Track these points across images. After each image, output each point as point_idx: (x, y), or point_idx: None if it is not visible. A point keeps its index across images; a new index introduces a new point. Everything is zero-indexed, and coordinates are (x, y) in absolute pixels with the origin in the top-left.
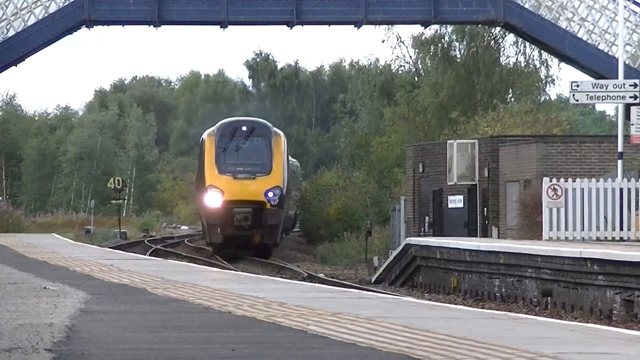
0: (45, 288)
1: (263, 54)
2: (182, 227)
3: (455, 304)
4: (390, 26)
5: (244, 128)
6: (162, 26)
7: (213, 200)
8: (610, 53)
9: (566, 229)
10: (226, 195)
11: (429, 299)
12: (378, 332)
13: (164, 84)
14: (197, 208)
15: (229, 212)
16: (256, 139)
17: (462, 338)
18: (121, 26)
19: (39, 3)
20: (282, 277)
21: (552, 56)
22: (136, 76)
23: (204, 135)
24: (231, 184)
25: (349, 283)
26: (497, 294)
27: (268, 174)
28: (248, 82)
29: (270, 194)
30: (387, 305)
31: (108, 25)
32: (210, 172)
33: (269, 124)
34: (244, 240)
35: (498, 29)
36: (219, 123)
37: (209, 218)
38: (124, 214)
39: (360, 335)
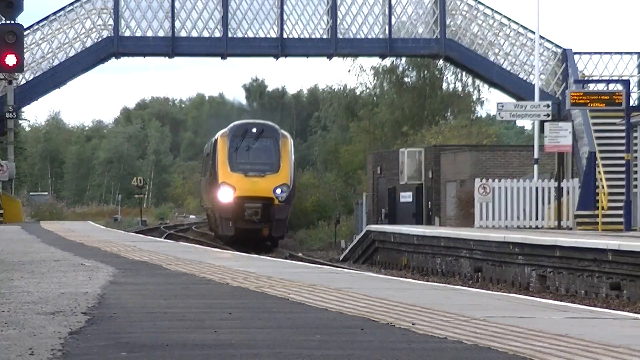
0: (81, 264)
1: (257, 79)
2: (191, 216)
3: (406, 278)
4: (354, 58)
5: (254, 130)
6: (175, 57)
7: (225, 196)
8: (528, 80)
9: (493, 218)
10: (237, 192)
11: (385, 274)
12: (345, 299)
13: (176, 103)
14: (206, 202)
15: (240, 207)
16: (265, 140)
17: (411, 305)
18: (142, 57)
19: (77, 39)
20: (269, 256)
21: (482, 82)
22: (154, 96)
23: (217, 136)
24: (242, 181)
25: (322, 261)
26: (439, 270)
27: (276, 172)
28: (244, 102)
29: (278, 191)
30: (352, 278)
31: (132, 56)
32: (223, 170)
33: (277, 126)
34: (254, 233)
35: (440, 61)
36: (231, 125)
37: (221, 212)
38: (144, 205)
39: (331, 302)
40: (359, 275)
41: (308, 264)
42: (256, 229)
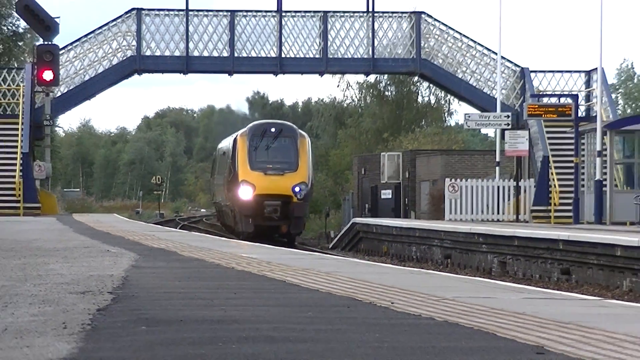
0: (107, 250)
1: (259, 93)
2: (202, 210)
3: (385, 263)
4: (342, 75)
5: (273, 129)
6: (188, 74)
7: (245, 193)
8: (491, 94)
9: (461, 213)
10: (257, 190)
11: (368, 260)
12: (333, 282)
13: (189, 113)
14: (223, 199)
15: (259, 204)
16: (284, 139)
17: (390, 286)
18: (161, 73)
19: (105, 58)
20: (268, 244)
21: (452, 96)
22: (170, 107)
23: (237, 136)
24: (262, 179)
25: (314, 249)
26: (414, 257)
27: (295, 170)
28: (248, 112)
29: (297, 189)
30: (339, 264)
31: (152, 72)
32: (242, 169)
33: (295, 126)
34: (272, 230)
35: (416, 77)
36: (250, 125)
37: (241, 210)
38: (162, 200)
39: (321, 284)
40: (345, 261)
41: (302, 252)
42: (275, 226)
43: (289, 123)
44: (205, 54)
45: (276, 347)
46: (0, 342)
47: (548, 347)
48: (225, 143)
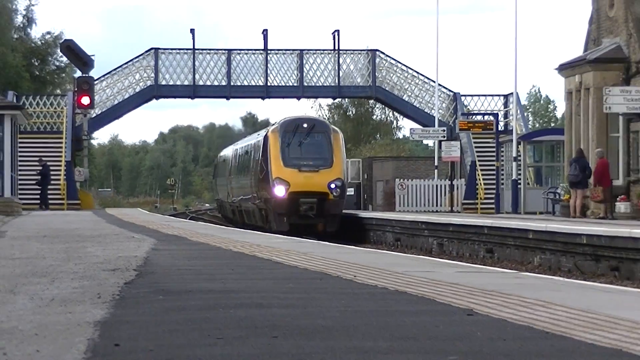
0: (132, 237)
1: (250, 113)
2: (206, 205)
3: (349, 245)
4: (315, 99)
5: (305, 125)
6: (195, 98)
7: (280, 191)
8: (430, 113)
9: (408, 205)
10: (292, 187)
11: (336, 243)
12: (309, 260)
13: (196, 129)
14: (253, 197)
15: (294, 202)
16: (317, 135)
17: (353, 263)
18: (173, 98)
19: (130, 87)
20: (259, 232)
21: (400, 115)
22: (180, 124)
23: (267, 132)
24: (297, 176)
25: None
26: (372, 240)
27: (330, 167)
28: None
29: (333, 185)
30: (314, 246)
31: (166, 98)
32: (276, 166)
33: (327, 121)
34: (308, 228)
35: (372, 101)
36: (282, 121)
37: (275, 208)
38: (175, 197)
39: (299, 262)
40: (319, 244)
41: (284, 236)
42: (310, 224)
43: (321, 118)
44: (208, 83)
45: (264, 311)
46: (49, 309)
47: (476, 310)
48: (248, 142)
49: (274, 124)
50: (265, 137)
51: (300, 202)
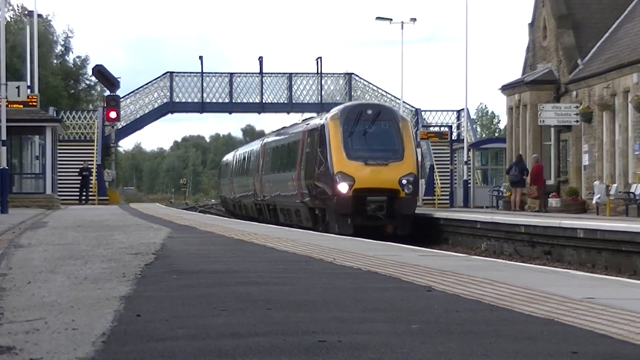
0: (152, 227)
1: (249, 125)
2: (212, 200)
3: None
4: (302, 113)
5: (370, 111)
6: (204, 113)
7: (343, 188)
8: None
9: None
10: (357, 183)
11: (321, 232)
12: (297, 246)
13: (204, 138)
14: (299, 195)
15: (361, 200)
16: (383, 123)
17: (333, 248)
18: (185, 113)
19: (150, 103)
20: (254, 222)
21: None
22: (191, 134)
23: (324, 120)
24: (363, 170)
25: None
26: (450, 243)
27: (401, 160)
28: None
29: (405, 181)
30: (301, 235)
31: (180, 112)
32: (337, 158)
33: (394, 108)
34: (375, 230)
35: None
36: (342, 107)
37: (337, 207)
38: (187, 194)
39: (289, 247)
40: (305, 232)
41: (276, 226)
42: (378, 226)
43: (387, 105)
44: (214, 100)
45: (260, 288)
46: (82, 286)
47: (434, 287)
48: (282, 136)
49: (331, 112)
50: (322, 126)
51: (368, 200)
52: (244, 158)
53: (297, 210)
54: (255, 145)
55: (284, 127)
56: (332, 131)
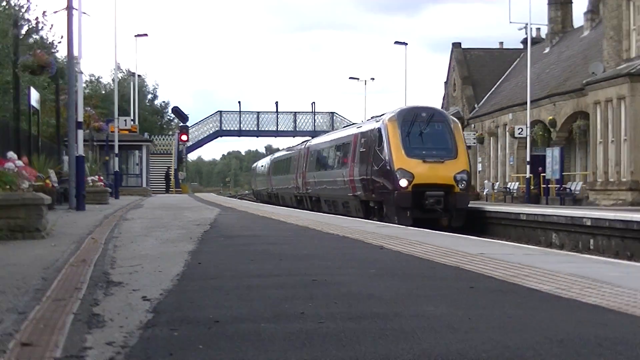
0: (208, 207)
1: (269, 145)
2: (246, 192)
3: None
4: (302, 137)
5: (424, 114)
6: (240, 136)
7: (403, 183)
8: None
9: None
10: (416, 179)
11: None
12: (299, 220)
13: (241, 152)
14: (349, 188)
15: (419, 195)
16: (437, 124)
17: (324, 223)
18: (230, 136)
19: (207, 130)
20: (273, 204)
21: None
22: (233, 150)
23: (384, 121)
24: (421, 167)
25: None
26: (501, 235)
27: (455, 158)
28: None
29: (459, 178)
30: (302, 213)
31: (225, 136)
32: (397, 156)
33: (445, 111)
34: (431, 223)
35: None
36: (398, 110)
37: (399, 201)
38: (230, 187)
39: (294, 222)
40: (305, 212)
41: (286, 207)
42: (434, 219)
43: (438, 108)
44: (247, 128)
45: (275, 247)
46: (165, 244)
47: (385, 246)
48: (339, 134)
49: (387, 113)
50: (379, 128)
51: (427, 195)
52: (283, 161)
53: (346, 202)
54: (293, 152)
55: (325, 134)
56: (391, 131)
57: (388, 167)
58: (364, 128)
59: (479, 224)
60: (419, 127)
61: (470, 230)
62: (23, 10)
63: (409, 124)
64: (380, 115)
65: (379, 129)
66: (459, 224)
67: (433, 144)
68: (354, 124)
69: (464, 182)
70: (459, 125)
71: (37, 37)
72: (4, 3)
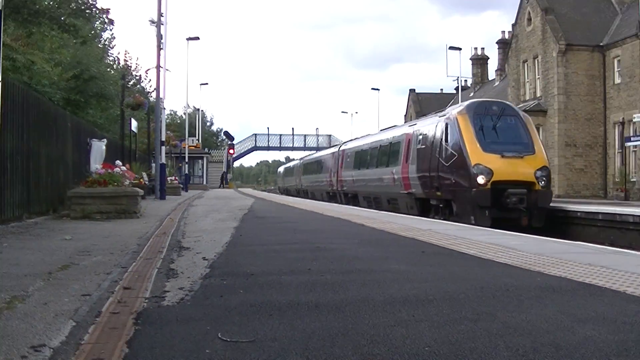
0: (247, 198)
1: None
2: (271, 187)
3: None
4: (309, 151)
5: (495, 107)
6: (269, 150)
7: (481, 180)
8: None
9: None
10: (495, 175)
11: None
12: (308, 207)
13: (269, 161)
14: (401, 185)
15: (499, 192)
16: (509, 118)
17: (326, 209)
18: (260, 151)
19: (245, 147)
20: (292, 197)
21: None
22: (262, 160)
23: (451, 116)
24: (500, 163)
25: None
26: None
27: (533, 153)
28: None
29: (539, 174)
30: (308, 202)
31: (259, 150)
32: (473, 151)
33: (515, 106)
34: (510, 222)
35: None
36: (467, 103)
37: (476, 199)
38: (261, 185)
39: (305, 207)
40: (311, 201)
41: (296, 197)
42: (514, 218)
43: (507, 102)
44: (273, 145)
45: (291, 224)
46: (218, 223)
47: (364, 224)
48: (384, 136)
49: (451, 108)
50: (448, 122)
51: (508, 193)
52: (312, 162)
53: (394, 199)
54: (325, 154)
55: (361, 138)
56: (463, 125)
57: (462, 163)
58: (421, 126)
59: (560, 224)
60: (491, 120)
61: (550, 231)
62: (131, 68)
63: (480, 117)
64: (441, 112)
65: (446, 124)
66: (540, 224)
67: (509, 139)
68: (393, 126)
69: (544, 178)
70: (531, 120)
71: (140, 86)
72: (116, 63)
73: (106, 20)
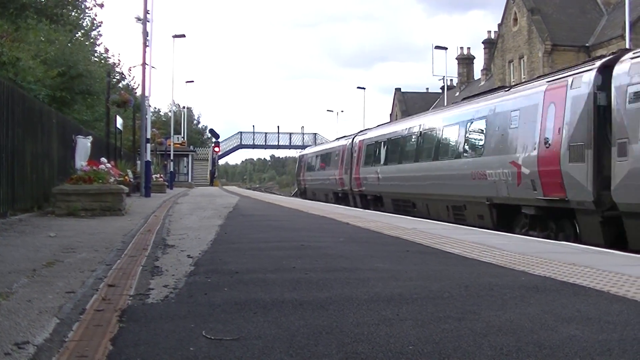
0: (232, 196)
1: (272, 155)
2: (257, 185)
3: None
4: (296, 149)
5: None
6: (254, 149)
7: None
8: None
9: None
10: None
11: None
12: (296, 205)
13: (254, 159)
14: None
15: None
16: None
17: (311, 207)
18: (245, 149)
19: (231, 145)
20: (275, 194)
21: None
22: (248, 158)
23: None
24: None
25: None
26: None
27: None
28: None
29: None
30: (300, 201)
31: (244, 148)
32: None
33: None
34: None
35: None
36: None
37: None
38: (246, 183)
39: (291, 206)
40: (303, 200)
41: (294, 198)
42: None
43: None
44: (259, 143)
45: (277, 222)
46: (203, 220)
47: (350, 223)
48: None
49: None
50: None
51: None
52: (314, 157)
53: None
54: (330, 147)
55: (381, 126)
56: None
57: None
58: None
59: None
60: None
61: None
62: (115, 65)
63: None
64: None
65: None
66: None
67: None
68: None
69: None
70: None
71: (125, 83)
72: (102, 60)
73: (95, 17)
